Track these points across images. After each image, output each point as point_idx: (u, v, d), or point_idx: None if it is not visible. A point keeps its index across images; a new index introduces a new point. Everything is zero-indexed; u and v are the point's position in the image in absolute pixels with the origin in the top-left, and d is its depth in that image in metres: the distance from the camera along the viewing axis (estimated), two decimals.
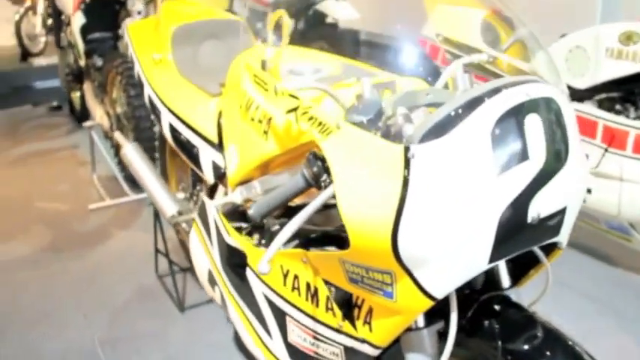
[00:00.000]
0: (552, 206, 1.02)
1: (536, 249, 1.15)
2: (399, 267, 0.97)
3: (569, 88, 2.47)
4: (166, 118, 1.99)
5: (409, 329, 1.13)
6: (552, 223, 1.05)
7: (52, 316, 2.54)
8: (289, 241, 1.20)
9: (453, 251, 0.96)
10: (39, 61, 6.94)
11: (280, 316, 1.34)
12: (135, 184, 3.24)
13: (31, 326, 2.49)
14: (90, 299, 2.66)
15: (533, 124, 0.98)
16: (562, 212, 1.05)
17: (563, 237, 1.11)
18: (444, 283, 1.00)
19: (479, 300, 1.15)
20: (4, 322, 2.53)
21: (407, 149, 0.94)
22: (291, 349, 1.36)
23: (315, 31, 4.30)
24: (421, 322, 1.14)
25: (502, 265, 1.19)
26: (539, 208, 0.99)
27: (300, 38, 4.09)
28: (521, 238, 1.02)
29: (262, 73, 1.35)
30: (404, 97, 1.18)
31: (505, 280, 1.21)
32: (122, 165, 3.68)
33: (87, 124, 3.80)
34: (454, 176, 0.94)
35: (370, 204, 0.96)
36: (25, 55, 7.10)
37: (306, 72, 1.45)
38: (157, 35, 2.21)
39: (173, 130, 1.96)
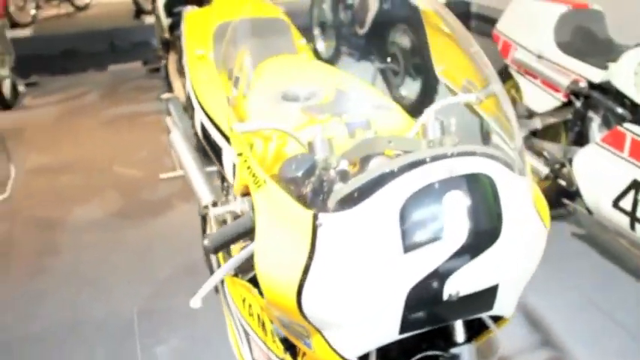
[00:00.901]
0: (477, 284, 0.98)
1: (484, 316, 1.13)
2: (310, 325, 0.99)
3: (635, 105, 2.30)
4: (198, 116, 2.07)
5: None
6: (482, 299, 1.02)
7: (102, 282, 2.75)
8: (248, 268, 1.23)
9: (357, 320, 0.96)
10: (150, 20, 7.16)
11: (245, 332, 1.41)
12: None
13: (81, 288, 2.71)
14: (141, 269, 2.84)
15: (454, 202, 0.94)
16: (494, 289, 1.02)
17: (501, 311, 1.08)
18: (354, 346, 1.00)
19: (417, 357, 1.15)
20: (59, 282, 2.77)
21: (315, 217, 0.95)
22: None
23: (398, 13, 4.23)
24: None
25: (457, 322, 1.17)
26: (457, 286, 0.96)
27: (382, 21, 4.06)
28: (441, 313, 1.00)
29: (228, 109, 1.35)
30: (362, 144, 1.18)
31: (460, 335, 1.19)
32: (396, 100, 3.87)
33: (164, 96, 3.97)
34: (359, 249, 0.93)
35: (281, 263, 0.97)
36: (139, 12, 7.44)
37: (300, 97, 1.46)
38: (204, 29, 2.28)
39: (203, 128, 2.03)
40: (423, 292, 0.95)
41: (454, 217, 0.94)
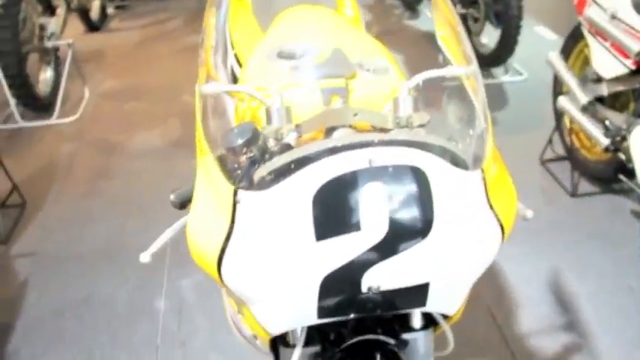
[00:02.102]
0: (402, 281, 0.93)
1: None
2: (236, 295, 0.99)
3: None
4: (230, 60, 2.05)
5: (286, 345, 1.15)
6: (412, 295, 0.96)
7: (149, 209, 2.85)
8: None
9: (272, 298, 0.95)
10: None
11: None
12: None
13: (128, 214, 2.84)
14: None
15: (374, 193, 0.88)
16: (424, 286, 0.96)
17: (440, 308, 1.02)
18: (276, 323, 0.99)
19: (353, 340, 1.12)
20: (109, 206, 2.91)
21: (235, 193, 0.92)
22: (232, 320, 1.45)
23: None
24: (297, 341, 1.14)
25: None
26: (378, 280, 0.91)
27: None
28: (362, 304, 0.96)
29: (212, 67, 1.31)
30: (323, 115, 1.12)
31: (416, 321, 1.16)
32: (474, 48, 3.89)
33: None
34: (274, 231, 0.90)
35: (206, 232, 0.97)
36: None
37: (296, 54, 1.40)
38: None
39: (233, 73, 2.02)
40: (339, 282, 0.92)
41: (373, 210, 0.88)
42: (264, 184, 0.93)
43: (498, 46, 3.84)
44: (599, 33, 2.46)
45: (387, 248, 0.90)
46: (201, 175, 1.04)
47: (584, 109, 2.60)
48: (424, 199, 0.90)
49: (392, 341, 1.13)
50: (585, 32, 2.59)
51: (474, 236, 0.96)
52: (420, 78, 1.17)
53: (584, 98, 2.58)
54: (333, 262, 0.90)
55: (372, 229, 0.89)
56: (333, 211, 0.88)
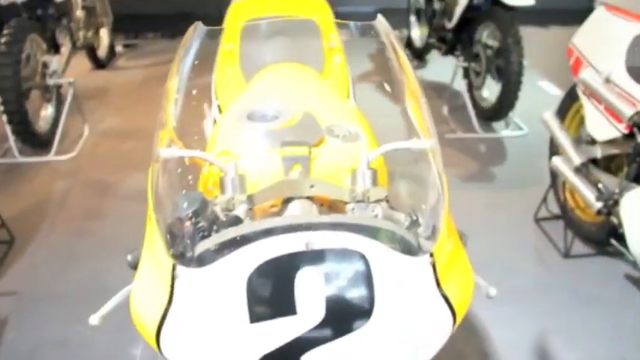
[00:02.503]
0: None
1: None
2: None
3: None
4: (213, 112, 2.05)
5: None
6: None
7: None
8: None
9: None
10: None
11: None
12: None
13: (115, 256, 2.78)
14: None
15: (309, 277, 0.86)
16: None
17: None
18: None
19: None
20: (96, 247, 2.89)
21: (174, 267, 0.90)
22: None
23: (487, 11, 3.99)
24: None
25: None
26: None
27: (470, 17, 3.85)
28: None
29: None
30: (278, 186, 1.11)
31: None
32: (474, 102, 4.11)
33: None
34: (210, 310, 0.88)
35: (148, 302, 0.95)
36: None
37: (268, 116, 1.39)
38: (238, 22, 2.24)
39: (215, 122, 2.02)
40: None
41: (310, 294, 0.86)
42: (201, 261, 0.91)
43: (498, 100, 3.84)
44: (594, 95, 2.45)
45: (324, 333, 0.87)
46: (147, 242, 1.02)
47: (578, 171, 2.57)
48: (365, 284, 0.87)
49: None
50: (580, 94, 2.58)
51: (421, 322, 0.93)
52: (381, 150, 1.17)
53: (577, 159, 2.56)
54: (267, 345, 0.87)
55: (308, 314, 0.86)
56: (268, 294, 0.86)
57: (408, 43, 5.59)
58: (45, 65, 3.73)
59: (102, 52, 5.24)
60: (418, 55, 5.45)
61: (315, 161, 1.24)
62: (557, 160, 2.70)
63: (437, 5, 4.70)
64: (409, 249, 0.96)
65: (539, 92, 4.72)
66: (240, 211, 1.05)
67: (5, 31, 3.38)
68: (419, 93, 1.30)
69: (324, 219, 0.92)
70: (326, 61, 2.17)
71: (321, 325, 0.86)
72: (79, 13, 4.37)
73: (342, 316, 0.87)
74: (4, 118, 3.41)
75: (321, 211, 1.14)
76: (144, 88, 4.92)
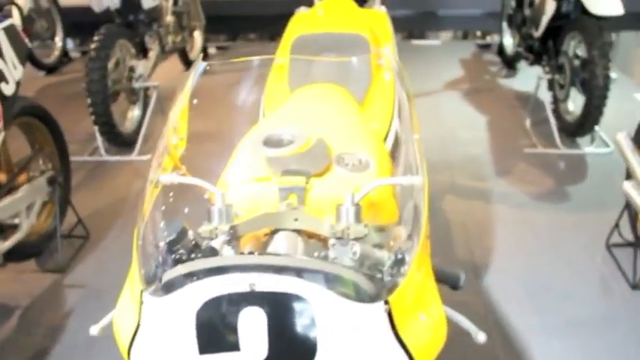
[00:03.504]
0: None
1: None
2: None
3: None
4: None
5: None
6: None
7: None
8: None
9: None
10: None
11: None
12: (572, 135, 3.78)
13: None
14: None
15: (252, 317, 0.88)
16: None
17: None
18: None
19: None
20: None
21: (142, 293, 0.95)
22: None
23: (573, 21, 3.80)
24: None
25: None
26: None
27: (557, 26, 3.69)
28: None
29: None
30: (264, 218, 1.13)
31: None
32: (557, 116, 3.97)
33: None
34: (167, 338, 0.92)
35: (123, 323, 1.02)
36: None
37: (284, 141, 1.41)
38: (291, 36, 2.28)
39: None
40: None
41: (253, 333, 0.88)
42: (165, 290, 0.94)
43: (582, 115, 3.66)
44: None
45: None
46: (131, 265, 1.07)
47: None
48: (307, 328, 0.88)
49: None
50: None
51: None
52: (369, 187, 1.16)
53: None
54: None
55: (251, 352, 0.88)
56: (214, 328, 0.89)
57: (500, 51, 5.42)
58: (132, 69, 3.94)
59: (194, 54, 5.45)
60: (508, 64, 5.27)
61: (313, 191, 1.25)
62: (627, 186, 2.54)
63: (527, 12, 4.53)
64: (363, 295, 0.95)
65: (634, 105, 4.43)
66: (218, 241, 1.08)
67: (95, 37, 3.60)
68: (416, 128, 1.28)
69: (272, 260, 0.93)
70: (373, 79, 2.16)
71: None
72: (169, 19, 4.57)
73: (285, 358, 0.88)
74: (92, 118, 3.64)
75: (307, 244, 1.15)
76: (231, 91, 5.07)
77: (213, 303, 0.89)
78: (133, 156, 3.90)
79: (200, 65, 1.55)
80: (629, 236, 2.81)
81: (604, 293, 2.61)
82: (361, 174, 1.32)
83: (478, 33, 6.64)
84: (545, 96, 4.09)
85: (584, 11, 3.66)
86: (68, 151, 3.09)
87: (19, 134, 2.88)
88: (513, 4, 4.87)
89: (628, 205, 2.78)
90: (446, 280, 1.24)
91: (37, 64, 5.41)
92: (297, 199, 1.22)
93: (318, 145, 1.36)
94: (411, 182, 1.20)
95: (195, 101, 1.74)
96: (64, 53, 5.77)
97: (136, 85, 3.96)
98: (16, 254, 2.64)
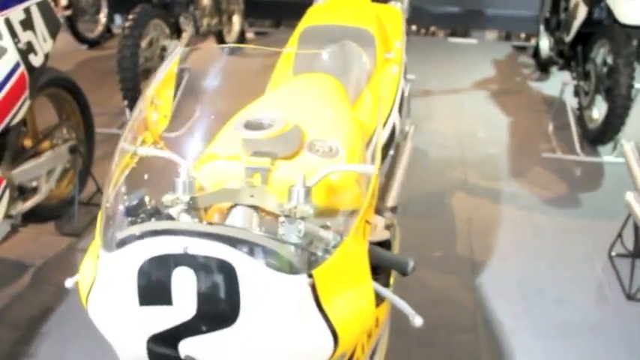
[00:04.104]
0: (214, 358, 1.00)
1: None
2: None
3: None
4: None
5: None
6: None
7: None
8: None
9: (116, 344, 1.07)
10: None
11: None
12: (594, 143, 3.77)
13: None
14: None
15: (184, 276, 0.96)
16: None
17: None
18: None
19: None
20: None
21: (99, 249, 1.06)
22: None
23: (603, 27, 3.77)
24: None
25: None
26: (193, 351, 0.99)
27: (586, 32, 3.67)
28: None
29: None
30: (222, 193, 1.21)
31: None
32: (580, 122, 3.97)
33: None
34: (114, 289, 1.02)
35: (86, 274, 1.12)
36: None
37: (264, 124, 1.48)
38: (299, 27, 2.35)
39: None
40: (160, 345, 1.01)
41: (184, 291, 0.97)
42: (115, 247, 1.04)
43: (604, 123, 3.63)
44: None
45: (196, 326, 0.98)
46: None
47: None
48: (231, 291, 0.96)
49: None
50: None
51: (291, 338, 1.00)
52: (321, 173, 1.23)
53: None
54: (153, 326, 1.00)
55: (182, 307, 0.98)
56: (152, 284, 0.98)
57: (535, 53, 5.38)
58: (164, 49, 4.07)
59: (231, 38, 5.56)
60: (542, 67, 5.23)
61: (276, 173, 1.32)
62: (630, 196, 2.54)
63: (562, 16, 4.50)
64: (288, 266, 1.02)
65: None
66: (175, 210, 1.17)
67: (130, 16, 3.74)
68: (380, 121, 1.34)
69: (206, 228, 1.02)
70: (377, 71, 2.22)
71: (194, 320, 0.98)
72: (206, 2, 4.68)
73: (210, 316, 0.98)
74: (121, 93, 3.79)
75: (262, 220, 1.23)
76: (260, 76, 5.17)
77: (152, 261, 0.98)
78: (192, 142, 4.03)
79: (177, 50, 1.62)
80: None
81: (598, 301, 2.63)
82: (328, 160, 1.38)
83: (522, 35, 6.59)
84: (571, 102, 4.07)
85: (616, 19, 3.63)
86: (93, 123, 3.23)
87: (49, 105, 3.04)
88: (550, 7, 4.83)
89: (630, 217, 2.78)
90: (395, 266, 1.30)
91: (80, 38, 5.61)
92: (261, 179, 1.30)
93: (292, 131, 1.43)
94: (364, 170, 1.26)
95: (215, 83, 1.84)
96: (107, 29, 5.96)
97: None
98: (34, 216, 2.80)
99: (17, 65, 2.48)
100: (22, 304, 2.55)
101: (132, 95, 3.77)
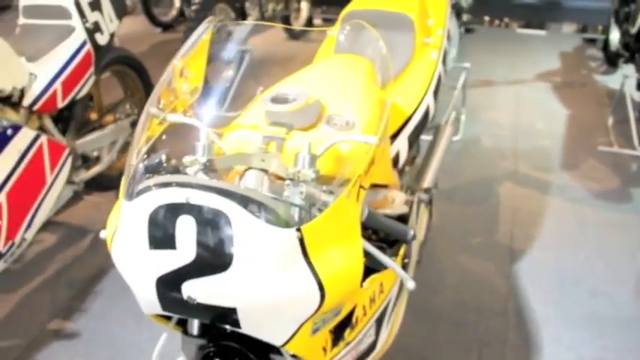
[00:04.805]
0: (212, 300, 1.10)
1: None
2: None
3: None
4: None
5: (185, 332, 1.38)
6: (225, 314, 1.13)
7: None
8: None
9: (132, 284, 1.20)
10: None
11: None
12: None
13: None
14: None
15: (186, 224, 1.07)
16: (233, 310, 1.12)
17: (259, 334, 1.17)
18: (142, 305, 1.24)
19: (221, 342, 1.31)
20: None
21: (121, 200, 1.20)
22: None
23: None
24: (195, 331, 1.37)
25: None
26: (193, 293, 1.10)
27: None
28: (189, 309, 1.14)
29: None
30: (237, 157, 1.33)
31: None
32: None
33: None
34: (132, 233, 1.15)
35: (111, 220, 1.27)
36: None
37: (289, 99, 1.58)
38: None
39: None
40: (167, 286, 1.14)
41: (185, 237, 1.09)
42: (132, 197, 1.17)
43: None
44: None
45: (196, 269, 1.10)
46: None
47: None
48: (226, 239, 1.08)
49: (252, 356, 1.30)
50: None
51: (282, 285, 1.10)
52: (329, 142, 1.33)
53: None
54: (160, 268, 1.13)
55: (184, 251, 1.10)
56: (160, 230, 1.11)
57: (605, 46, 5.25)
58: (229, 33, 4.23)
59: (299, 23, 5.69)
60: (610, 60, 5.09)
61: (291, 142, 1.43)
62: None
63: (631, 7, 4.37)
64: (280, 221, 1.13)
65: None
66: (192, 169, 1.29)
67: (196, 0, 3.92)
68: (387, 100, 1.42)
69: (207, 182, 1.13)
70: (415, 55, 2.28)
71: (193, 264, 1.10)
72: None
73: (208, 261, 1.10)
74: None
75: (272, 182, 1.33)
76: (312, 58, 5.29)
77: (160, 209, 1.11)
78: (220, 112, 4.21)
79: (203, 23, 1.73)
80: None
81: (635, 296, 2.60)
82: (342, 132, 1.48)
83: (600, 27, 6.42)
84: (636, 95, 3.97)
85: None
86: None
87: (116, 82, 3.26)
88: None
89: None
90: (396, 233, 1.39)
91: (155, 21, 5.88)
92: (276, 147, 1.41)
93: (312, 105, 1.53)
94: (366, 140, 1.34)
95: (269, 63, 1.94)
96: (181, 12, 6.21)
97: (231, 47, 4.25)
98: (96, 184, 3.03)
99: (84, 43, 2.69)
100: (80, 265, 2.77)
101: None
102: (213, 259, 1.09)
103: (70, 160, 2.61)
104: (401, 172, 2.17)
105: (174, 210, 1.10)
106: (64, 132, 2.71)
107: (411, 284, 1.27)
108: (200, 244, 1.09)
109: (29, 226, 2.39)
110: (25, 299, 2.55)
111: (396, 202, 1.81)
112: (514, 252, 2.85)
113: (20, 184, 2.31)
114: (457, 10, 4.56)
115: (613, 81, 4.86)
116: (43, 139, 2.41)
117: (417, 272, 2.61)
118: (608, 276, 2.70)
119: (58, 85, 2.55)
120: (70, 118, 2.74)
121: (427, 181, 2.24)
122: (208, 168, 1.32)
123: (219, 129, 1.55)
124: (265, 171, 1.33)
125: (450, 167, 3.55)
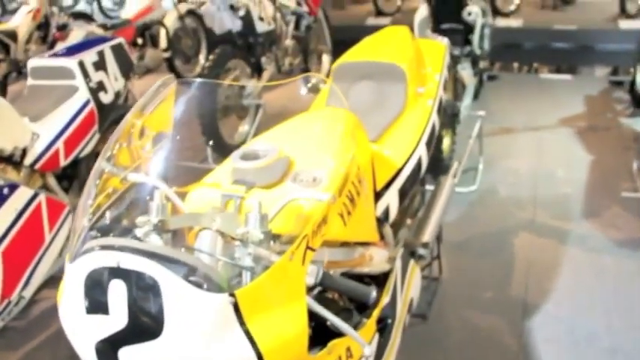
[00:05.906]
0: None
1: None
2: None
3: None
4: None
5: None
6: None
7: None
8: None
9: (75, 348, 1.17)
10: (629, 24, 7.05)
11: None
12: None
13: None
14: None
15: (118, 288, 1.05)
16: None
17: None
18: None
19: None
20: None
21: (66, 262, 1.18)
22: None
23: None
24: None
25: None
26: (130, 359, 1.07)
27: None
28: None
29: None
30: (188, 217, 1.30)
31: None
32: None
33: None
34: (70, 295, 1.13)
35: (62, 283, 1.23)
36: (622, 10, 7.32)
37: (259, 155, 1.55)
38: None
39: None
40: (105, 352, 1.10)
41: (117, 302, 1.06)
42: (74, 259, 1.15)
43: None
44: None
45: (129, 336, 1.07)
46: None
47: None
48: (157, 306, 1.04)
49: None
50: None
51: (218, 353, 1.05)
52: (282, 202, 1.29)
53: None
54: (97, 333, 1.10)
55: (117, 317, 1.07)
56: (95, 294, 1.09)
57: (631, 88, 5.12)
58: (242, 87, 4.29)
59: (324, 70, 5.73)
60: (637, 102, 4.96)
61: (250, 200, 1.39)
62: None
63: None
64: (213, 285, 1.08)
65: None
66: (142, 230, 1.26)
67: (210, 57, 3.99)
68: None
69: (138, 245, 1.10)
70: (408, 105, 2.24)
71: (126, 329, 1.06)
72: (288, 42, 4.89)
73: (139, 327, 1.06)
74: (200, 129, 4.03)
75: (225, 243, 1.29)
76: None
77: (94, 273, 1.09)
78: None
79: (158, 82, 1.72)
80: None
81: None
82: (306, 189, 1.43)
83: (632, 70, 6.30)
84: None
85: None
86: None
87: None
88: None
89: None
90: (356, 296, 1.32)
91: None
92: (235, 206, 1.38)
93: (278, 162, 1.50)
94: (319, 198, 1.30)
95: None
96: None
97: (245, 102, 4.30)
98: None
99: (87, 102, 2.74)
100: None
101: (210, 131, 4.00)
102: (144, 325, 1.06)
103: (71, 218, 2.62)
104: (395, 226, 2.11)
105: (107, 274, 1.07)
106: (67, 190, 2.74)
107: (367, 350, 1.20)
108: (131, 310, 1.05)
109: (27, 284, 2.40)
110: (25, 357, 2.54)
111: (375, 259, 1.75)
112: (527, 307, 2.72)
113: (17, 243, 2.33)
114: (473, 58, 4.52)
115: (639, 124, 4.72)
116: (42, 197, 2.44)
117: (422, 328, 2.52)
118: (626, 333, 2.54)
119: (60, 144, 2.60)
120: (74, 177, 2.78)
121: (427, 235, 2.16)
122: (160, 229, 1.29)
123: (184, 187, 1.53)
124: (220, 232, 1.30)
125: (463, 218, 3.46)
